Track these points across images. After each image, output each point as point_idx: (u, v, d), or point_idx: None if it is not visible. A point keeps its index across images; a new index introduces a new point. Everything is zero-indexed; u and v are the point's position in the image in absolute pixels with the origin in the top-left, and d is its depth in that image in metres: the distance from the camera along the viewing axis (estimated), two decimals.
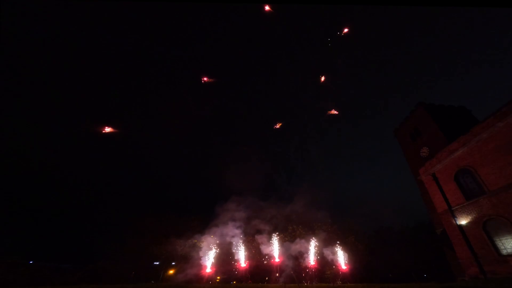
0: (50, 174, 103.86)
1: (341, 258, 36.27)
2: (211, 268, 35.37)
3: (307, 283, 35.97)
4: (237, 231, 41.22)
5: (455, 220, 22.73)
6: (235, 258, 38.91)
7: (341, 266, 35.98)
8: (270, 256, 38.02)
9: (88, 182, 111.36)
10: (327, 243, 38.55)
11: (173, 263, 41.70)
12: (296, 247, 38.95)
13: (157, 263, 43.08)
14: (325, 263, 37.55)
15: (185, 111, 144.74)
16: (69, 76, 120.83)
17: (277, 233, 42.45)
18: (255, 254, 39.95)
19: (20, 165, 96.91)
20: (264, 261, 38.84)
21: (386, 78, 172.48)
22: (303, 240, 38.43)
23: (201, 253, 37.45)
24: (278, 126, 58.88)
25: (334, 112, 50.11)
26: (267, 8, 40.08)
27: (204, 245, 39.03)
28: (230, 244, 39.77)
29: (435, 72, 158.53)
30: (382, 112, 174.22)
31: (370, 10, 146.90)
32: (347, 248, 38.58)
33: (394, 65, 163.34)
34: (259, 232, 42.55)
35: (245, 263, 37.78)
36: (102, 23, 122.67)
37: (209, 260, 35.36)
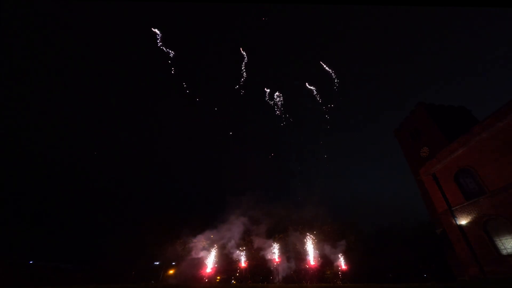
0: (51, 174, 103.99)
1: (341, 258, 36.29)
2: (211, 268, 35.36)
3: (307, 282, 35.96)
4: (238, 232, 41.22)
5: (455, 220, 22.73)
6: (235, 258, 38.91)
7: (341, 266, 36.01)
8: (270, 256, 38.01)
9: (89, 182, 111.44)
10: (327, 243, 38.56)
11: (173, 263, 41.70)
12: (296, 247, 38.96)
13: (157, 263, 43.11)
14: (325, 263, 37.56)
15: (192, 114, 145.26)
16: (83, 78, 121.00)
17: (277, 234, 42.43)
18: (255, 254, 39.94)
19: (21, 165, 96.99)
20: (264, 261, 38.80)
21: (386, 78, 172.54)
22: (303, 240, 38.42)
23: (201, 253, 37.47)
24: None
25: None
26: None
27: (204, 245, 39.04)
28: (231, 244, 39.77)
29: (435, 72, 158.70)
30: (382, 112, 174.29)
31: (371, 10, 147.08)
32: (347, 248, 38.59)
33: (394, 66, 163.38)
34: (260, 232, 42.54)
35: (245, 263, 37.78)
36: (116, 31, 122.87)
37: (209, 260, 35.35)
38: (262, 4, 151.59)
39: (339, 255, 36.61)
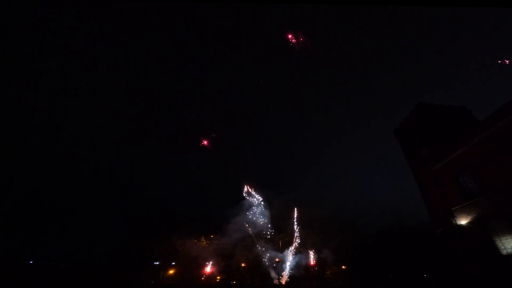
0: (52, 174, 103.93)
1: (341, 258, 36.28)
2: (211, 268, 35.37)
3: (307, 282, 35.99)
4: (238, 232, 41.20)
5: (455, 220, 22.72)
6: (235, 258, 38.92)
7: (341, 266, 36.02)
8: (270, 257, 38.01)
9: (90, 182, 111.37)
10: (327, 243, 38.56)
11: (173, 263, 41.72)
12: (295, 247, 38.94)
13: (157, 263, 43.12)
14: (326, 263, 37.56)
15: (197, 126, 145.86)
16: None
17: (278, 234, 42.43)
18: (255, 254, 39.93)
19: (22, 164, 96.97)
20: (264, 261, 38.80)
21: (386, 79, 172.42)
22: (303, 240, 38.42)
23: (201, 253, 37.47)
24: None
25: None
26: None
27: (204, 245, 39.03)
28: (231, 244, 39.77)
29: (435, 72, 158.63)
30: (382, 112, 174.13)
31: (372, 10, 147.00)
32: (347, 248, 38.58)
33: (393, 66, 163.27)
34: (260, 232, 42.52)
35: (244, 263, 37.78)
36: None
37: (209, 260, 35.35)
38: (262, 4, 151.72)
39: (339, 255, 36.62)
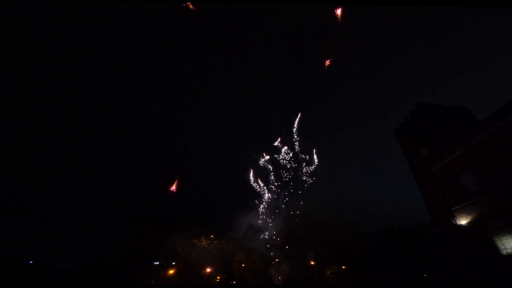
0: (52, 174, 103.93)
1: (341, 257, 36.27)
2: (211, 268, 35.35)
3: (306, 282, 35.98)
4: (239, 232, 41.23)
5: (455, 220, 22.73)
6: (235, 258, 38.91)
7: (341, 266, 36.00)
8: (271, 257, 37.98)
9: (90, 182, 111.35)
10: (327, 242, 38.55)
11: (173, 263, 41.70)
12: (296, 246, 38.93)
13: (157, 263, 43.11)
14: (325, 263, 37.56)
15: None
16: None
17: (278, 233, 42.42)
18: (254, 254, 39.93)
19: (21, 164, 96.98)
20: (263, 261, 38.79)
21: (385, 79, 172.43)
22: (303, 240, 38.40)
23: (201, 253, 37.44)
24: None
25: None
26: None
27: (204, 245, 39.01)
28: (231, 244, 39.75)
29: (435, 72, 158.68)
30: (382, 112, 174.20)
31: (373, 10, 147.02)
32: (347, 247, 38.57)
33: (394, 66, 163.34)
34: (260, 232, 42.52)
35: (244, 263, 37.76)
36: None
37: (209, 260, 35.32)
38: (262, 4, 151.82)
39: (339, 255, 36.60)
